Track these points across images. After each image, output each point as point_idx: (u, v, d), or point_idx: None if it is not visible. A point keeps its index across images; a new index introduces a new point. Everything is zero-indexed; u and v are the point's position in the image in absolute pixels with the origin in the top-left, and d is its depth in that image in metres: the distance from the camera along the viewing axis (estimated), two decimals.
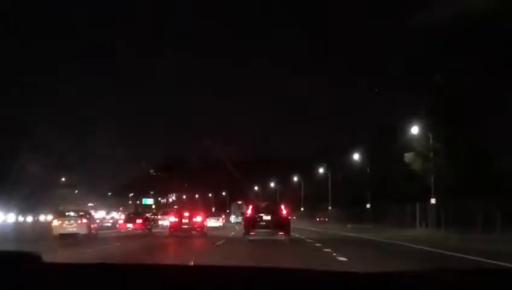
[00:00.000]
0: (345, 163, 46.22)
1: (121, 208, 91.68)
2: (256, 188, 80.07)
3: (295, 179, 63.46)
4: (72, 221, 24.97)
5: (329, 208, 50.03)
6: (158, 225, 39.12)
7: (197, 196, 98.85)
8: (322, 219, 56.45)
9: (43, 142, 45.44)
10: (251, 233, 19.29)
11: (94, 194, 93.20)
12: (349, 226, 35.01)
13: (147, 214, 38.84)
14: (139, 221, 31.44)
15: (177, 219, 26.53)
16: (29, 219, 46.70)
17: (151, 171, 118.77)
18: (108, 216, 67.28)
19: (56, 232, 24.16)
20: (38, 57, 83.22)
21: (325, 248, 15.33)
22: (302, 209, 60.33)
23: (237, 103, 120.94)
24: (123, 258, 12.71)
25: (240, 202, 59.49)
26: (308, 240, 20.35)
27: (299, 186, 61.91)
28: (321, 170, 52.81)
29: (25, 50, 78.05)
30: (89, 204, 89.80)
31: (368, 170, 41.50)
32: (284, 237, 18.85)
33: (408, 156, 31.64)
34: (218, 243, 18.55)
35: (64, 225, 24.72)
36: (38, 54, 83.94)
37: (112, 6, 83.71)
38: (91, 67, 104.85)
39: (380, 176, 39.59)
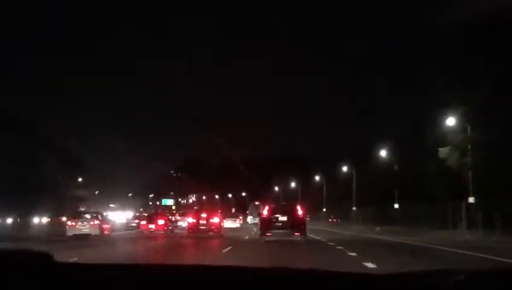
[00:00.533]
0: (370, 160, 43.16)
1: (141, 209, 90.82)
2: (276, 188, 77.41)
3: (317, 178, 60.17)
4: (84, 222, 25.78)
5: (354, 208, 46.77)
6: (177, 226, 38.17)
7: (217, 196, 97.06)
8: (334, 219, 54.10)
9: (56, 142, 43.95)
10: (267, 234, 19.17)
11: (115, 195, 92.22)
12: (378, 228, 31.69)
13: (169, 215, 38.67)
14: (161, 222, 31.25)
15: (194, 220, 26.94)
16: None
17: (172, 172, 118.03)
18: (131, 217, 66.55)
19: (70, 233, 24.99)
20: (43, 55, 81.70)
21: (365, 261, 10.74)
22: (324, 209, 57.16)
23: (255, 103, 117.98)
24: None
25: (257, 203, 58.64)
26: (338, 247, 16.18)
27: (321, 186, 58.90)
28: (344, 169, 49.40)
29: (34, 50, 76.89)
30: (110, 205, 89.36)
31: (396, 167, 38.28)
32: (300, 238, 18.72)
33: (443, 151, 28.45)
34: (228, 248, 16.11)
35: (77, 226, 25.49)
36: (46, 53, 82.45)
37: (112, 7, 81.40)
38: (103, 68, 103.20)
39: (409, 173, 36.49)
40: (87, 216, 26.85)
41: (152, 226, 30.76)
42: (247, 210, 64.55)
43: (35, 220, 46.81)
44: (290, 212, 19.72)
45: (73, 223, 25.98)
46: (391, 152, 39.12)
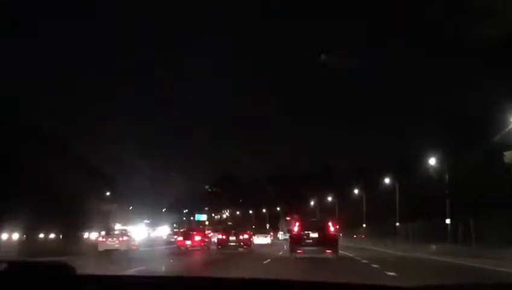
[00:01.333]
0: (417, 170, 38.26)
1: (174, 224, 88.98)
2: (312, 203, 72.69)
3: (356, 191, 54.83)
4: (114, 238, 28.09)
5: (397, 224, 41.63)
6: (212, 242, 36.99)
7: (250, 211, 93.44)
8: (358, 235, 49.96)
9: (83, 156, 42.24)
10: (298, 251, 18.61)
11: (147, 211, 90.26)
12: (433, 247, 26.72)
13: (206, 231, 38.28)
14: (197, 238, 30.70)
15: (224, 236, 27.04)
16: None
17: (207, 187, 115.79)
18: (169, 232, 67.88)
19: (101, 248, 26.81)
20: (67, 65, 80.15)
21: None
22: (364, 225, 51.99)
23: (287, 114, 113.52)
24: None
25: (288, 218, 56.86)
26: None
27: (359, 199, 53.86)
28: (387, 180, 44.17)
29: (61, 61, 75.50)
30: (145, 221, 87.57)
31: (447, 177, 33.23)
32: (331, 256, 18.00)
33: (509, 155, 23.68)
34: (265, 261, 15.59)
35: (107, 242, 27.53)
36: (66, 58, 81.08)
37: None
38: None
39: (461, 183, 31.56)
40: (117, 233, 29.10)
41: (188, 242, 30.20)
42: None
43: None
44: (322, 228, 18.91)
45: (104, 239, 28.10)
46: (441, 159, 34.07)
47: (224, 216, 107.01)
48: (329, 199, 64.45)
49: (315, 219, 23.45)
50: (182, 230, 44.58)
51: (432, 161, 34.41)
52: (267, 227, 69.37)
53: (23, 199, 28.51)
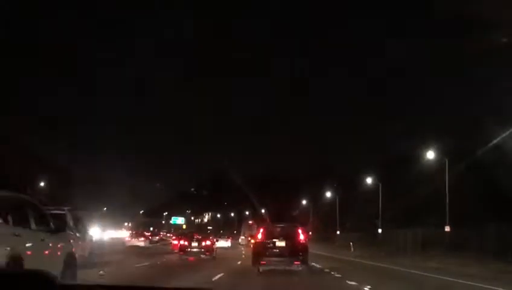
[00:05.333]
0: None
1: (151, 228, 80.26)
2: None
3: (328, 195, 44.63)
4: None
5: (379, 230, 29.32)
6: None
7: (232, 214, 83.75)
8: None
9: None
10: (262, 262, 15.95)
11: (126, 214, 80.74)
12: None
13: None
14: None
15: (186, 242, 25.63)
16: None
17: (192, 189, 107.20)
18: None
19: (128, 244, 32.79)
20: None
21: None
22: (338, 232, 40.72)
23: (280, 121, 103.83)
24: None
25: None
26: None
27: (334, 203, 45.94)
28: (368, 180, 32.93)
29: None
30: (125, 224, 78.37)
31: None
32: (300, 268, 15.77)
33: None
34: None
35: (132, 241, 34.99)
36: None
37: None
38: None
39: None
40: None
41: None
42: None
43: None
44: (290, 236, 16.35)
45: (130, 238, 35.03)
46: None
47: (205, 219, 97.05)
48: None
49: (282, 225, 19.79)
50: (175, 234, 44.88)
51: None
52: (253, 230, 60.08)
53: None
